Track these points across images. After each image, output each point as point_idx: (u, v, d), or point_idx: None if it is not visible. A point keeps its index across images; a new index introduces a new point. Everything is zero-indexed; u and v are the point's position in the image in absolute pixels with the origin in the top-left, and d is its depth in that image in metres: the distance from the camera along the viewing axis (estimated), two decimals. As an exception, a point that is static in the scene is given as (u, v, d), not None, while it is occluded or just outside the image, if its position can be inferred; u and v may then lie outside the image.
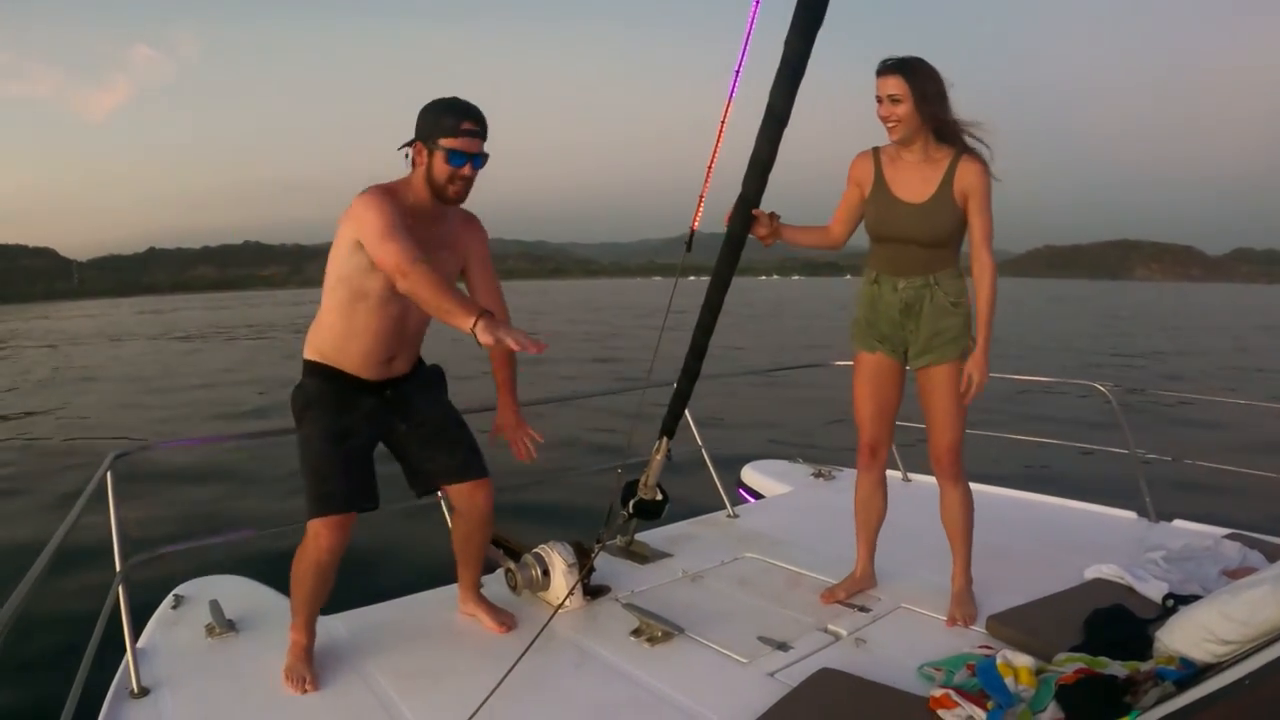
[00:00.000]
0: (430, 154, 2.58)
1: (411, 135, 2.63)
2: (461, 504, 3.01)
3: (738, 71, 2.66)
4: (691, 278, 3.12)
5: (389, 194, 2.56)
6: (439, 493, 3.16)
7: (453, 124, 2.55)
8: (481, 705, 2.26)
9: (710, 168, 2.85)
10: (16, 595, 1.88)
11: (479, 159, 2.62)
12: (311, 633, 2.86)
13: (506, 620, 3.11)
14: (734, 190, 2.90)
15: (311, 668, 2.77)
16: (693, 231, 3.07)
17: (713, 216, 3.00)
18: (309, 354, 2.81)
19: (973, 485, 3.18)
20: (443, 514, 3.51)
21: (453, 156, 2.56)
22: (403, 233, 2.43)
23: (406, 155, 2.65)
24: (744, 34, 2.63)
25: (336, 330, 2.73)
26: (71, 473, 9.68)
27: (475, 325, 2.20)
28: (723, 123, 2.74)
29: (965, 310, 2.98)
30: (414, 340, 2.89)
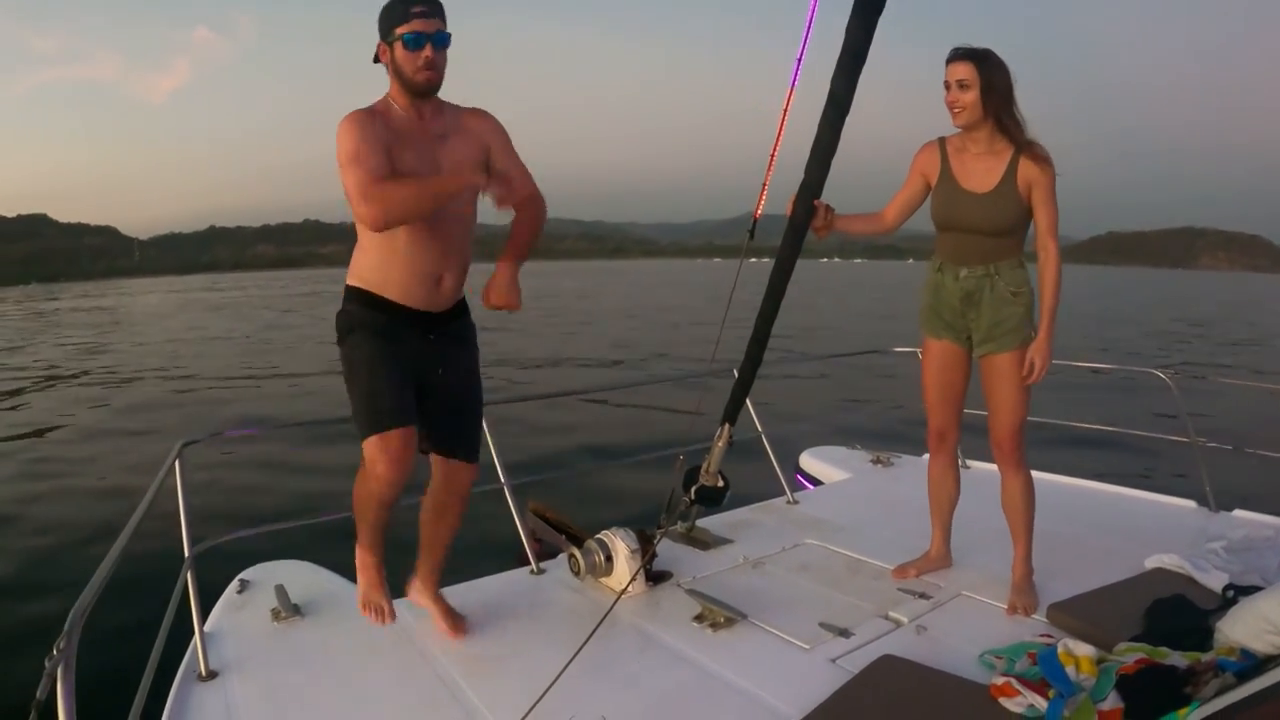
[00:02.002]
0: (391, 49, 2.49)
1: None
2: (447, 479, 2.90)
3: (799, 58, 2.66)
4: (753, 260, 3.14)
5: (365, 115, 2.48)
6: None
7: (402, 11, 2.44)
8: (547, 690, 2.27)
9: (773, 155, 2.86)
10: (93, 583, 1.96)
11: (439, 36, 2.48)
12: (380, 553, 2.88)
13: (460, 626, 2.97)
14: (795, 176, 2.91)
15: (386, 596, 2.83)
16: (756, 220, 3.09)
17: (774, 202, 3.01)
18: (352, 280, 2.69)
19: (1033, 473, 3.18)
20: (504, 502, 3.58)
21: (409, 41, 2.45)
22: (367, 157, 2.37)
23: (384, 66, 2.56)
24: (806, 20, 2.64)
25: (378, 252, 2.61)
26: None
27: (465, 175, 2.25)
28: (785, 110, 2.74)
29: (1026, 300, 2.99)
30: (459, 256, 2.71)
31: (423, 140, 2.56)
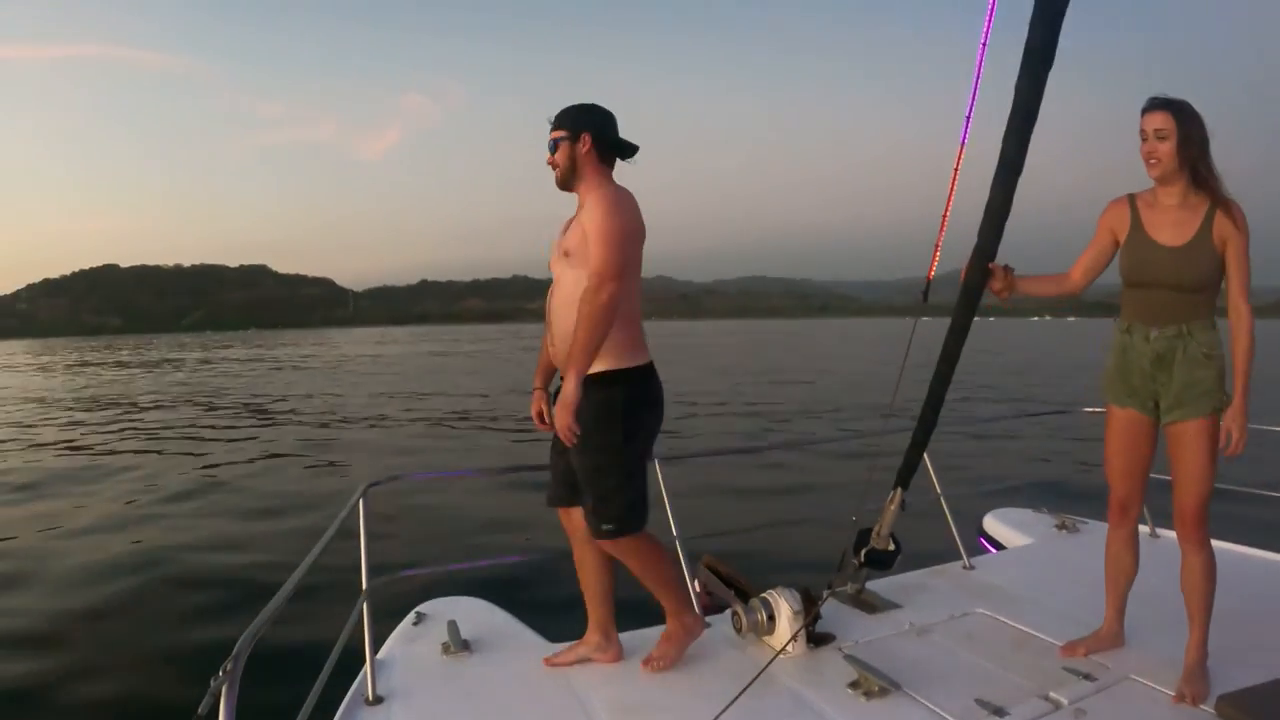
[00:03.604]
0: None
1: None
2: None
3: (968, 117, 2.63)
4: (926, 319, 3.12)
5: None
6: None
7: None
8: None
9: (945, 216, 2.83)
10: (266, 611, 2.09)
11: (550, 144, 2.96)
12: None
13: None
14: (971, 233, 2.87)
15: None
16: (929, 281, 3.06)
17: (950, 263, 2.97)
18: (604, 364, 2.85)
19: (1220, 544, 2.99)
20: (673, 552, 3.62)
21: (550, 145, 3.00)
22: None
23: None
24: (973, 77, 2.61)
25: (625, 318, 2.87)
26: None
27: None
28: (955, 169, 2.72)
29: (1220, 363, 2.83)
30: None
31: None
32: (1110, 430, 3.10)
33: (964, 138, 2.68)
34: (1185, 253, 2.81)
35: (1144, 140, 2.82)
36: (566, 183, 2.97)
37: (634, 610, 3.32)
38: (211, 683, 1.70)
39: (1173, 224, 2.85)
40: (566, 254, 2.88)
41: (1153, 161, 2.82)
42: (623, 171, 3.00)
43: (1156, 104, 2.79)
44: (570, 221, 2.97)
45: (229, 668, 1.73)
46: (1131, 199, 2.98)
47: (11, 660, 5.38)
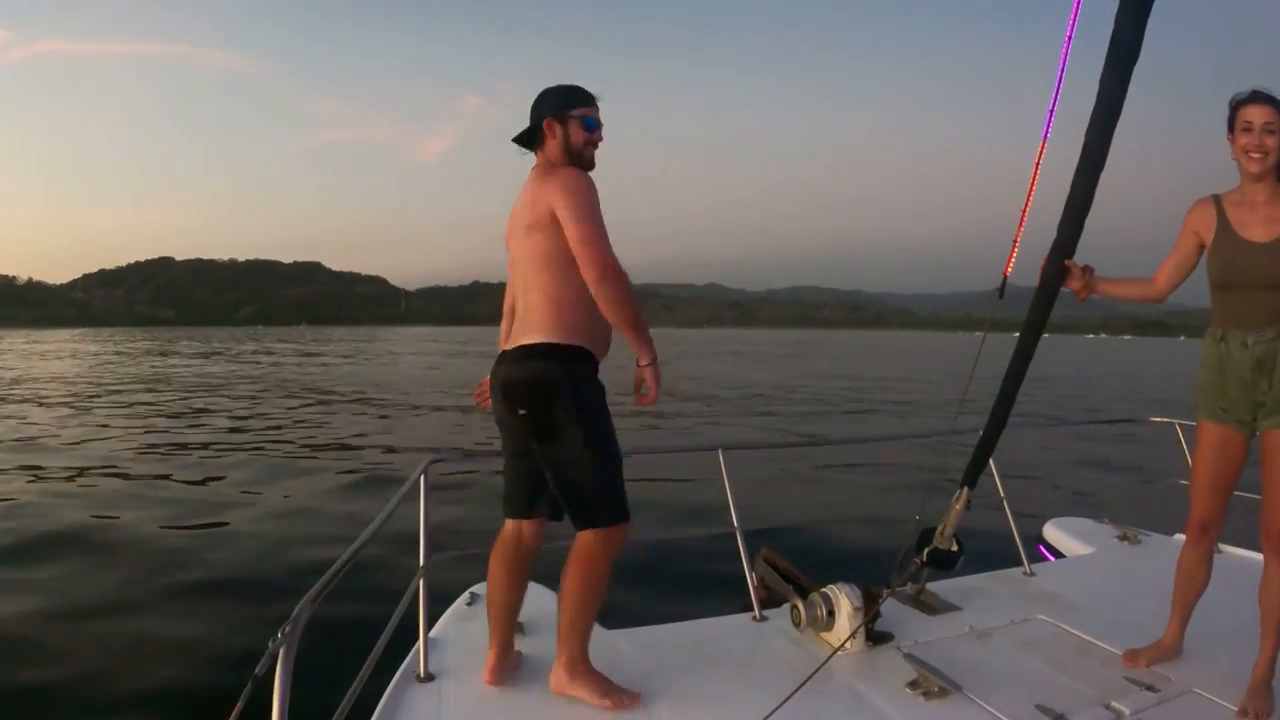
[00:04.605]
0: (565, 126, 2.75)
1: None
2: (538, 537, 2.98)
3: (1051, 110, 2.60)
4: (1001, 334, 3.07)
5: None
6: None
7: (580, 96, 2.77)
8: None
9: (1024, 212, 2.79)
10: (325, 576, 2.08)
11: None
12: None
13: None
14: (1047, 235, 2.82)
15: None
16: (1005, 278, 3.00)
17: (1027, 265, 2.93)
18: (567, 337, 2.67)
19: None
20: (738, 544, 3.61)
21: (589, 123, 2.76)
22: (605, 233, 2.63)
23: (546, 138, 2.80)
24: (1057, 70, 2.58)
25: (583, 303, 2.67)
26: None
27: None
28: (1037, 164, 2.69)
29: None
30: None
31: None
32: (1201, 446, 2.96)
33: (1046, 131, 2.65)
34: (1277, 248, 2.69)
35: (1247, 132, 2.69)
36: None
37: (693, 598, 3.29)
38: (270, 644, 1.69)
39: (1263, 221, 2.73)
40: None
41: (1256, 155, 2.69)
42: (696, 178, 2.93)
43: (1265, 98, 2.67)
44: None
45: (287, 630, 1.73)
46: (1217, 199, 2.86)
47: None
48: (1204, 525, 3.00)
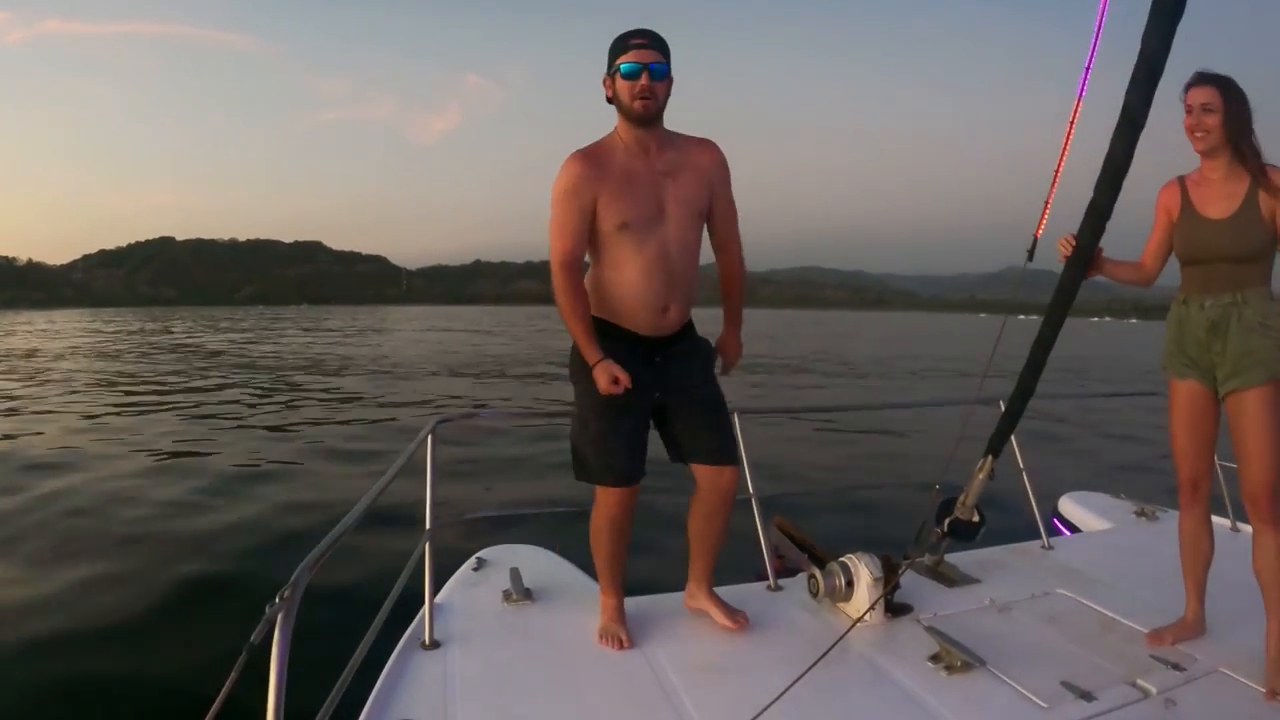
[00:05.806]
0: (613, 80, 2.62)
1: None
2: (707, 485, 2.99)
3: (1087, 68, 2.56)
4: (1020, 317, 3.02)
5: (585, 164, 2.63)
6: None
7: (622, 43, 2.58)
8: (766, 709, 2.21)
9: (1057, 171, 2.76)
10: (326, 540, 2.00)
11: (656, 68, 2.56)
12: (620, 592, 2.96)
13: (739, 619, 3.04)
14: (1071, 198, 2.80)
15: (624, 628, 2.86)
16: (1035, 239, 2.95)
17: (1058, 229, 2.90)
18: (597, 311, 2.80)
19: None
20: (750, 513, 3.54)
21: (626, 71, 2.56)
22: (568, 233, 2.62)
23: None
24: (1094, 27, 2.52)
25: (605, 276, 2.75)
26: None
27: (604, 382, 2.53)
28: (1071, 123, 2.65)
29: (1277, 333, 2.76)
30: (685, 287, 2.80)
31: (647, 179, 2.67)
32: (1174, 405, 3.02)
33: (1081, 89, 2.62)
34: (1233, 223, 2.80)
35: (1188, 114, 2.83)
36: (656, 119, 2.68)
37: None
38: (266, 610, 1.60)
39: (1220, 197, 2.85)
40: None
41: (1199, 135, 2.82)
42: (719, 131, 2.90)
43: (1203, 79, 2.80)
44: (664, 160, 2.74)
45: (286, 594, 1.65)
46: (1181, 180, 2.99)
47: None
48: (1193, 483, 3.02)
